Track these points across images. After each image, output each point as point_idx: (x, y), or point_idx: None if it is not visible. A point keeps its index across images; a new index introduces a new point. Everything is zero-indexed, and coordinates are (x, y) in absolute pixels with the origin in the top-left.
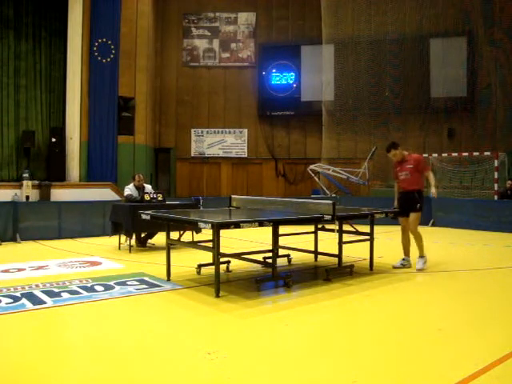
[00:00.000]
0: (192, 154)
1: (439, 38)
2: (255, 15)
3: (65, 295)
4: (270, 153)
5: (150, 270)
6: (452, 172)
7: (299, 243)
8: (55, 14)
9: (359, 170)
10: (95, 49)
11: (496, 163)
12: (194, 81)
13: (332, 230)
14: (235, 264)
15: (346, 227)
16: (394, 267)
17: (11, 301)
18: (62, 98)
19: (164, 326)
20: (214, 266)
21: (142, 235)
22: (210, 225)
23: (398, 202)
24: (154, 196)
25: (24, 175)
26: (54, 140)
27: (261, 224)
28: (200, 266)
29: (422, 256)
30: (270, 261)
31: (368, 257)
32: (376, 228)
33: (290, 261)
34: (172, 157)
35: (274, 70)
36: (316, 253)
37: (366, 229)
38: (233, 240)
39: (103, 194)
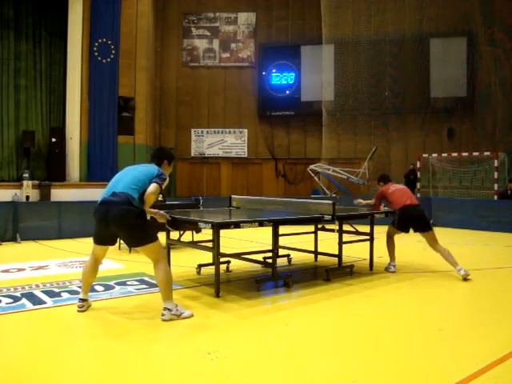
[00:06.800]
0: (192, 154)
1: (439, 38)
2: (255, 15)
3: (65, 295)
4: (269, 153)
5: (150, 270)
6: (452, 172)
7: (299, 243)
8: (55, 14)
9: (359, 170)
10: (95, 49)
11: (496, 163)
12: (194, 81)
13: (332, 230)
14: (235, 264)
15: (346, 227)
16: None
17: (11, 301)
18: (62, 98)
19: (164, 326)
20: (214, 266)
21: None
22: (210, 225)
23: None
24: None
25: (24, 175)
26: (54, 140)
27: (261, 224)
28: (200, 266)
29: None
30: (269, 261)
31: (368, 257)
32: (376, 228)
33: (289, 261)
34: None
35: (273, 70)
36: (316, 253)
37: (366, 229)
38: (233, 240)
39: None
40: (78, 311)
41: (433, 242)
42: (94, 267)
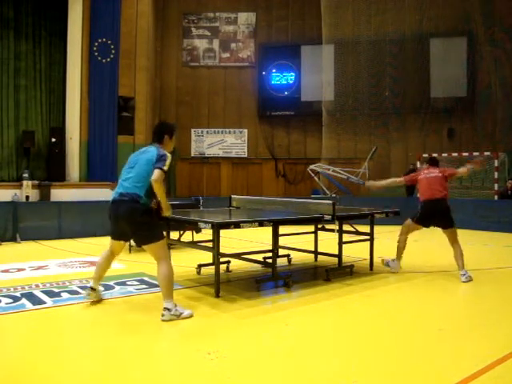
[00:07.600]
0: (192, 154)
1: (439, 38)
2: (255, 15)
3: (65, 295)
4: (270, 153)
5: (150, 270)
6: None
7: (299, 243)
8: (55, 14)
9: (359, 170)
10: (95, 49)
11: (496, 163)
12: (194, 81)
13: (332, 230)
14: (235, 264)
15: (346, 227)
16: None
17: (11, 301)
18: (62, 98)
19: (164, 326)
20: (214, 266)
21: None
22: (210, 225)
23: None
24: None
25: (24, 175)
26: (54, 140)
27: (261, 224)
28: (200, 265)
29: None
30: (270, 261)
31: (368, 257)
32: (376, 228)
33: (289, 261)
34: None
35: (274, 70)
36: (316, 253)
37: (366, 229)
38: (233, 240)
39: (103, 194)
40: (85, 300)
41: (452, 240)
42: (109, 258)
